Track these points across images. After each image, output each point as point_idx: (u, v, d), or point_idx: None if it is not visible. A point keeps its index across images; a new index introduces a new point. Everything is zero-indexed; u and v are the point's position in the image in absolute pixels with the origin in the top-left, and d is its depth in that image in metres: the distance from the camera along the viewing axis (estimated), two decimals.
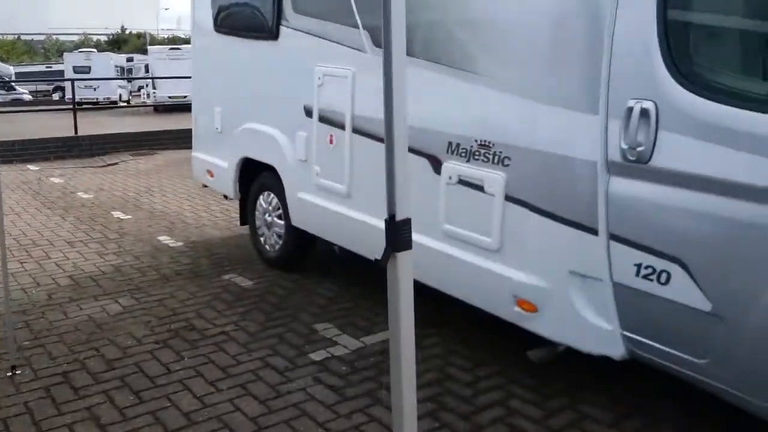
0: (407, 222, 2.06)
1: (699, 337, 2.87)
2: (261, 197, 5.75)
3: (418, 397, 3.61)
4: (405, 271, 2.06)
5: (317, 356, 4.08)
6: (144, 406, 3.56)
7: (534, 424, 3.37)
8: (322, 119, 4.76)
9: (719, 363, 2.82)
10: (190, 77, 6.71)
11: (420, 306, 5.02)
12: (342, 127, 4.55)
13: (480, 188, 3.58)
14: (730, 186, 2.71)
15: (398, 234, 2.04)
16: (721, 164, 2.72)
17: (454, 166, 3.72)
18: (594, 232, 3.16)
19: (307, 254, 5.61)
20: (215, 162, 6.23)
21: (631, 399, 3.56)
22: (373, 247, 4.53)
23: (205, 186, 6.85)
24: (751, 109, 2.68)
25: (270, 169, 5.44)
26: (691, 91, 2.83)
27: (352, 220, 4.55)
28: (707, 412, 3.35)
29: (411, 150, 4.04)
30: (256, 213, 5.85)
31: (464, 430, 3.30)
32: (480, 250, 3.64)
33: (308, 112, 4.89)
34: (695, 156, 2.81)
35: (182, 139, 12.80)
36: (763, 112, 2.65)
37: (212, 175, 6.35)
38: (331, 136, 4.67)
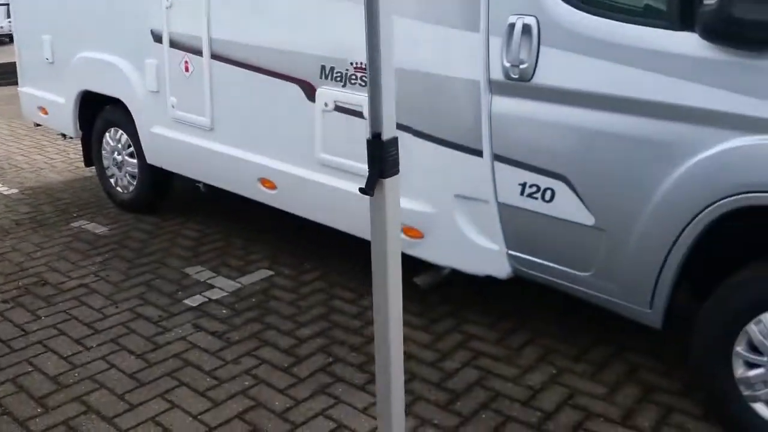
0: (394, 142, 1.81)
1: (583, 251, 2.96)
2: (107, 134, 5.24)
3: (306, 334, 3.52)
4: (393, 200, 1.83)
5: (193, 302, 3.83)
6: (1, 374, 3.19)
7: (423, 348, 3.38)
8: (174, 44, 4.35)
9: (602, 274, 2.93)
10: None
11: (296, 241, 4.76)
12: (199, 52, 4.17)
13: (359, 114, 3.41)
14: (610, 100, 2.74)
15: (385, 155, 1.79)
16: (602, 79, 2.75)
17: (329, 92, 3.52)
18: (478, 153, 3.13)
19: (165, 194, 5.22)
20: (48, 97, 5.59)
21: (516, 316, 3.65)
22: (242, 182, 4.30)
23: (38, 125, 6.16)
24: (629, 22, 2.71)
25: (116, 103, 4.95)
26: (571, 6, 2.82)
27: (217, 154, 4.24)
28: (589, 323, 3.51)
29: (280, 76, 3.85)
30: (103, 152, 5.33)
31: (356, 362, 3.25)
32: (361, 179, 3.50)
33: (157, 37, 4.44)
34: (577, 71, 2.82)
35: None
36: (640, 24, 2.68)
37: (46, 112, 5.71)
38: (187, 63, 4.29)
